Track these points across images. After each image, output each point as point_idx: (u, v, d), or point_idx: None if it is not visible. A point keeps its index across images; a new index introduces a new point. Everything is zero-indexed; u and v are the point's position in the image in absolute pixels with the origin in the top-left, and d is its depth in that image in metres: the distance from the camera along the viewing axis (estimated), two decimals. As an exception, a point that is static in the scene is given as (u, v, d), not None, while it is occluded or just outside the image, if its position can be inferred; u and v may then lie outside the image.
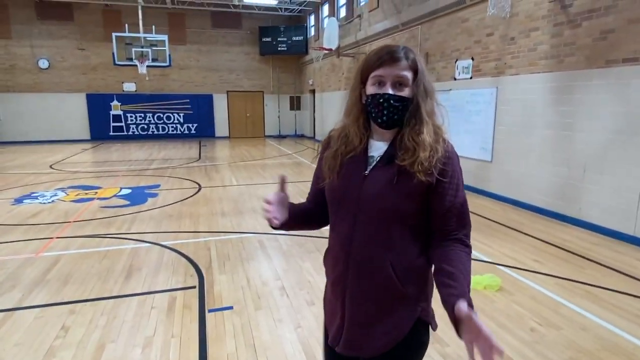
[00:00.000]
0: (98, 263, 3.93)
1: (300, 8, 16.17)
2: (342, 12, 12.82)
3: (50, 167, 9.95)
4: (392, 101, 1.15)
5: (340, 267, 1.23)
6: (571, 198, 5.19)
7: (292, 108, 18.29)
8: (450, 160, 1.17)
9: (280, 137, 17.87)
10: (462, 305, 0.98)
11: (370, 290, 1.20)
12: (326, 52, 12.00)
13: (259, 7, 16.19)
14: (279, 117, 18.12)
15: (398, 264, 1.18)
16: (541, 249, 4.33)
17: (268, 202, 1.25)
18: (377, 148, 1.22)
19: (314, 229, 1.43)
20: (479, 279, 3.44)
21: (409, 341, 1.22)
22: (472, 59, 6.89)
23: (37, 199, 6.61)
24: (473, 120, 6.96)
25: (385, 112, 1.17)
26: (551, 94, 5.41)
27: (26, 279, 3.57)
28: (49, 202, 6.35)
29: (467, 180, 7.14)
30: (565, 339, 2.69)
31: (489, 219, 5.41)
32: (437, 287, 1.15)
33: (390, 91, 1.16)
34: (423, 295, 1.24)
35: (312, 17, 16.03)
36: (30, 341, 2.63)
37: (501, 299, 3.22)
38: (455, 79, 7.37)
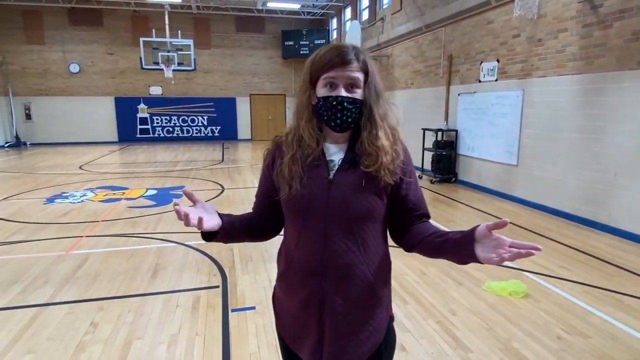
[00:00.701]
0: (125, 261, 4.04)
1: (322, 12, 16.25)
2: (365, 15, 12.81)
3: (80, 168, 10.28)
4: (345, 104, 1.13)
5: (313, 282, 1.17)
6: (601, 203, 5.03)
7: (313, 111, 18.34)
8: (409, 160, 1.23)
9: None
10: (481, 225, 1.06)
11: (351, 299, 1.17)
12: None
13: (282, 11, 16.35)
14: (300, 119, 18.20)
15: (373, 266, 1.19)
16: (569, 256, 4.21)
17: (181, 211, 1.08)
18: (335, 152, 1.21)
19: (256, 241, 1.36)
20: (504, 285, 3.38)
21: (387, 339, 1.26)
22: (498, 61, 6.78)
23: (67, 198, 6.84)
24: (498, 123, 6.84)
25: (339, 115, 1.14)
26: (580, 97, 5.27)
27: (57, 275, 3.70)
28: (79, 202, 6.57)
29: (491, 183, 7.03)
30: (594, 348, 2.62)
31: (514, 224, 5.30)
32: (440, 242, 1.16)
33: (343, 93, 1.14)
34: (389, 291, 1.29)
35: (335, 21, 16.08)
36: (61, 336, 2.73)
37: (527, 306, 3.15)
38: (479, 82, 7.26)
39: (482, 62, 7.18)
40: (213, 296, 3.31)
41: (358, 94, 1.16)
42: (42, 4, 14.70)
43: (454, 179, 8.13)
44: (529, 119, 6.16)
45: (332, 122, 1.16)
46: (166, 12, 14.57)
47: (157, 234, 4.92)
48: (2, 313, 3.02)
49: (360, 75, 1.15)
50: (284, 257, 1.28)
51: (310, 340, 1.21)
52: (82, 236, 4.83)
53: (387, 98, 1.23)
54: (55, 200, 6.66)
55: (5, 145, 15.17)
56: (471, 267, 3.88)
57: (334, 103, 1.13)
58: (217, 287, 3.48)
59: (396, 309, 3.09)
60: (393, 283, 3.47)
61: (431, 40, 8.89)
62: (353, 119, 1.17)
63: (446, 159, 8.11)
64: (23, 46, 15.38)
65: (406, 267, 3.87)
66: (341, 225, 1.15)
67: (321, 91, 1.16)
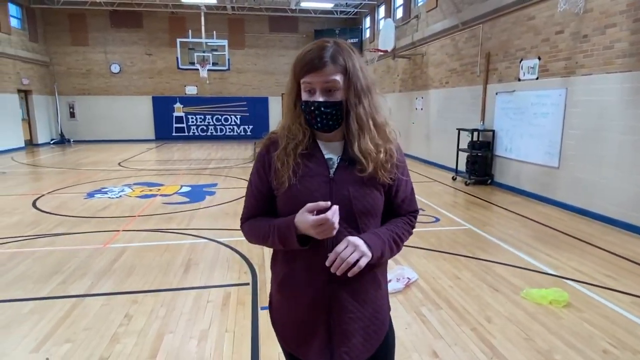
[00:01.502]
0: (159, 256, 4.13)
1: (355, 10, 16.15)
2: (399, 13, 12.62)
3: (119, 164, 10.66)
4: (322, 108, 1.13)
5: (320, 281, 1.17)
6: (651, 209, 4.72)
7: (345, 110, 18.30)
8: (402, 158, 1.24)
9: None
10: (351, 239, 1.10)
11: (359, 295, 1.20)
12: (381, 54, 11.88)
13: (315, 11, 16.37)
14: (332, 119, 18.20)
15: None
16: (614, 264, 3.97)
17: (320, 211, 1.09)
18: (331, 150, 1.21)
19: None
20: (544, 293, 3.22)
21: (391, 328, 1.32)
22: (539, 58, 6.50)
23: (106, 193, 7.10)
24: (538, 123, 6.55)
25: (318, 120, 1.14)
26: (629, 96, 4.96)
27: (95, 267, 3.83)
28: (117, 197, 6.79)
29: (529, 186, 6.76)
30: (645, 364, 2.44)
31: (554, 229, 5.06)
32: None
33: (320, 98, 1.12)
34: (387, 281, 1.33)
35: (368, 19, 15.95)
36: (97, 326, 2.80)
37: (569, 316, 2.98)
38: (519, 80, 6.99)
39: (522, 60, 6.90)
40: (243, 293, 3.33)
41: (337, 95, 1.14)
42: (87, 7, 15.35)
43: (489, 180, 7.87)
44: (572, 119, 5.86)
45: (314, 125, 1.17)
46: (202, 13, 14.90)
47: (190, 230, 5.01)
48: (44, 302, 3.15)
49: (338, 77, 1.12)
50: (283, 260, 1.25)
51: (317, 343, 1.20)
52: (119, 230, 4.99)
53: (375, 93, 1.20)
54: (95, 195, 6.92)
55: (51, 142, 15.95)
56: (508, 273, 3.72)
57: (312, 108, 1.14)
58: (247, 284, 3.50)
59: (428, 313, 2.99)
60: (425, 286, 3.41)
61: (468, 38, 8.64)
62: (335, 120, 1.16)
63: (482, 160, 7.86)
64: (68, 47, 16.13)
65: (439, 271, 3.76)
66: (346, 221, 1.14)
67: (303, 95, 1.17)
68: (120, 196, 6.89)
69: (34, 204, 6.25)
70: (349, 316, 1.18)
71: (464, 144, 8.18)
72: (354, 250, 1.08)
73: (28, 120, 15.00)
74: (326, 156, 1.20)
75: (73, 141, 16.42)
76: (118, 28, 16.30)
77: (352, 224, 1.16)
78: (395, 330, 1.36)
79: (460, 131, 8.29)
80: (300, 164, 1.16)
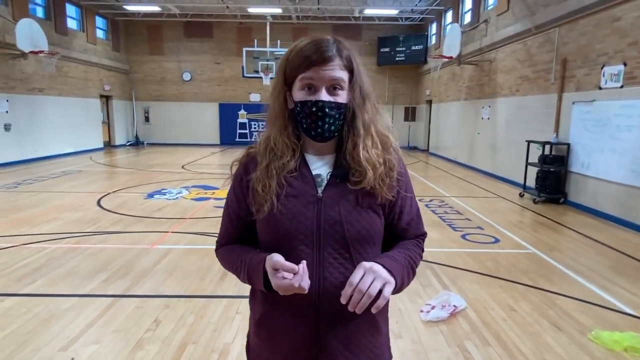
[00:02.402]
0: (200, 260, 4.14)
1: (421, 17, 15.69)
2: (467, 18, 12.02)
3: (182, 167, 11.15)
4: (327, 109, 0.94)
5: (305, 324, 0.96)
6: None
7: (406, 119, 17.80)
8: (405, 171, 1.07)
9: (393, 148, 17.49)
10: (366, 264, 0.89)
11: (352, 342, 0.98)
12: (446, 60, 11.36)
13: (379, 18, 16.14)
14: (392, 128, 17.81)
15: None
16: None
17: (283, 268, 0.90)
18: (321, 165, 1.02)
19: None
20: (619, 337, 2.72)
21: None
22: (625, 64, 5.75)
23: (164, 194, 7.39)
24: (621, 137, 5.78)
25: (319, 124, 0.95)
26: None
27: (138, 268, 3.91)
28: (174, 199, 7.04)
29: (609, 207, 5.98)
30: None
31: (636, 259, 4.37)
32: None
33: (325, 97, 0.94)
34: (388, 328, 1.11)
35: (434, 26, 15.41)
36: (126, 329, 2.80)
37: (650, 369, 2.48)
38: (600, 88, 6.24)
39: (603, 66, 6.16)
40: (274, 307, 3.18)
41: (342, 96, 0.97)
42: (164, 19, 16.43)
43: (562, 199, 7.10)
44: (665, 133, 5.08)
45: (312, 131, 0.96)
46: (267, 23, 15.30)
47: (234, 236, 4.99)
48: (83, 300, 3.23)
49: (344, 75, 0.97)
50: (262, 297, 1.04)
51: None
52: (168, 232, 5.11)
53: (375, 100, 1.03)
54: (155, 196, 7.23)
55: (127, 144, 17.21)
56: (576, 308, 3.23)
57: (314, 109, 0.94)
58: (280, 297, 3.35)
59: (474, 349, 2.64)
60: (473, 316, 3.04)
61: (542, 43, 7.93)
62: (337, 126, 0.97)
63: (554, 176, 7.11)
64: (146, 56, 17.36)
65: (492, 300, 3.35)
66: (337, 250, 0.96)
67: (298, 94, 0.97)
68: (177, 198, 7.13)
69: (98, 202, 6.65)
70: None
71: (533, 158, 7.48)
72: (374, 278, 0.87)
73: (108, 123, 16.30)
74: (314, 172, 1.01)
75: (146, 143, 17.59)
76: (190, 38, 17.24)
77: (343, 254, 0.96)
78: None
79: (530, 143, 7.60)
80: (284, 186, 0.97)
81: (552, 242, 4.99)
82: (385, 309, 1.08)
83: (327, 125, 0.95)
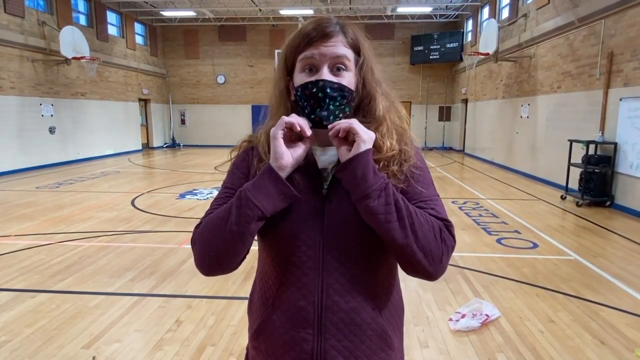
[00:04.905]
0: (225, 261, 4.12)
1: (456, 13, 15.24)
2: (505, 13, 11.55)
3: (215, 168, 11.33)
4: (328, 90, 0.83)
5: (305, 336, 0.86)
6: None
7: (441, 119, 17.35)
8: (424, 166, 0.93)
9: (426, 149, 17.09)
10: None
11: (359, 358, 0.87)
12: (482, 57, 10.94)
13: (412, 16, 15.81)
14: (425, 128, 17.37)
15: (383, 307, 0.91)
16: None
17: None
18: (327, 158, 0.91)
19: (228, 268, 0.89)
20: (672, 355, 2.46)
21: None
22: (681, 55, 5.29)
23: (195, 195, 7.50)
24: (677, 136, 5.33)
25: (321, 105, 0.83)
26: None
27: (164, 267, 3.94)
28: (204, 199, 7.12)
29: (663, 212, 5.52)
30: None
31: (695, 269, 3.99)
32: None
33: (327, 77, 0.84)
34: (402, 342, 0.99)
35: (470, 22, 14.93)
36: (148, 328, 2.81)
37: None
38: (651, 83, 5.79)
39: (656, 59, 5.70)
40: (296, 310, 3.11)
41: (346, 78, 0.86)
42: (199, 24, 16.82)
43: (608, 202, 6.64)
44: None
45: (313, 114, 0.85)
46: (299, 25, 15.32)
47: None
48: (109, 298, 3.28)
49: (348, 53, 0.87)
50: (261, 304, 0.94)
51: None
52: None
53: (387, 88, 0.93)
54: (186, 196, 7.35)
55: (164, 146, 17.74)
56: (622, 321, 2.96)
57: (314, 90, 0.84)
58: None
59: (506, 362, 2.46)
60: (507, 327, 2.85)
61: (585, 36, 7.47)
62: (341, 111, 0.85)
63: (599, 178, 6.67)
64: (182, 60, 17.83)
65: (529, 310, 3.13)
66: (343, 254, 0.86)
67: (299, 78, 0.87)
68: (207, 198, 7.21)
69: (132, 202, 6.83)
70: None
71: (577, 158, 7.04)
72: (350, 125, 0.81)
73: (146, 126, 16.85)
74: (320, 166, 0.91)
75: (182, 145, 18.05)
76: (224, 42, 17.56)
77: (350, 256, 0.85)
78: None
79: (573, 143, 7.16)
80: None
81: (596, 248, 4.64)
82: (399, 321, 0.97)
83: (329, 109, 0.84)
